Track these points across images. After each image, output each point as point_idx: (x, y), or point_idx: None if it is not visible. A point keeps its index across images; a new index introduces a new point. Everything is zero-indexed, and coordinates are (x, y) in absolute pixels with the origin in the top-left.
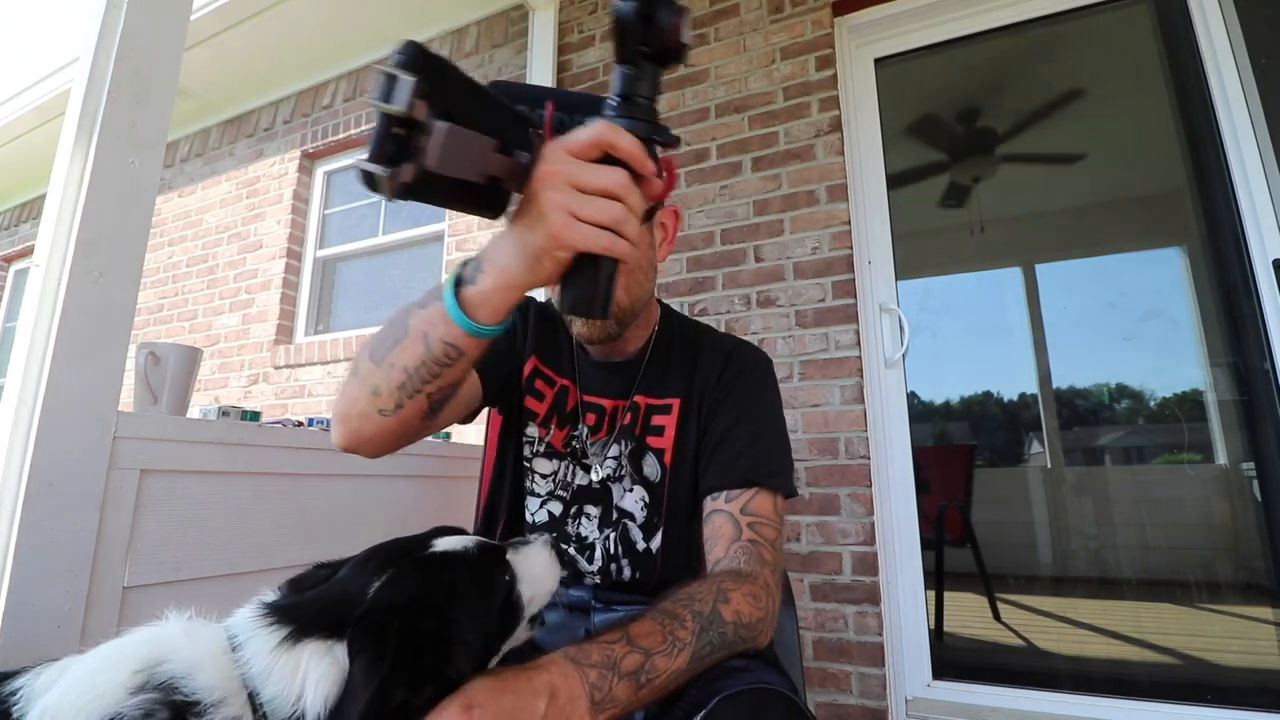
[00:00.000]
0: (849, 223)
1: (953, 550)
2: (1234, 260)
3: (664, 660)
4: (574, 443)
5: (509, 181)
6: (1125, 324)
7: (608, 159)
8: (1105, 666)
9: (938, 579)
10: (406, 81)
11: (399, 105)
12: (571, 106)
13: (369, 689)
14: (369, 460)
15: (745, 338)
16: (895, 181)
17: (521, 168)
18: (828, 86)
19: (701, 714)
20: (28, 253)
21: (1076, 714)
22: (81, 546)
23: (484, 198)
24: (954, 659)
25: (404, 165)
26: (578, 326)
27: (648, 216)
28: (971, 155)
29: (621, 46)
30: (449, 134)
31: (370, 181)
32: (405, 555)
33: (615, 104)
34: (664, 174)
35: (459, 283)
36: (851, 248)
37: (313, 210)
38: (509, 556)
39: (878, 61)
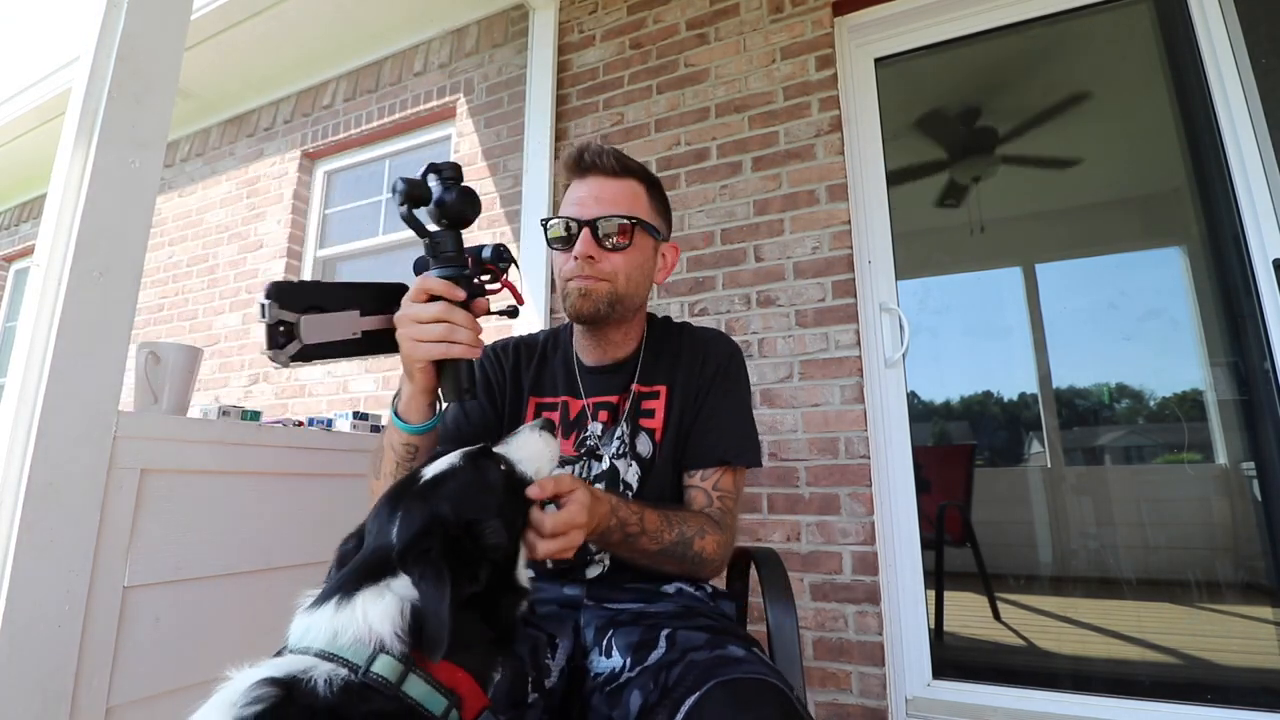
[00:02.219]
0: (849, 222)
1: (953, 550)
2: (1234, 260)
3: (648, 539)
4: (588, 442)
5: (388, 329)
6: (1125, 324)
7: (436, 298)
8: (1105, 666)
9: (938, 579)
10: (269, 304)
11: (267, 318)
12: (423, 266)
13: (446, 594)
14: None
15: (745, 338)
16: (895, 181)
17: (389, 319)
18: (828, 86)
19: (696, 695)
20: (28, 253)
21: (1076, 714)
22: (81, 546)
23: (372, 344)
24: (954, 658)
25: (290, 344)
26: (573, 300)
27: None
28: (971, 155)
29: (434, 222)
30: (308, 320)
31: (275, 358)
32: (407, 492)
33: (432, 261)
34: (484, 293)
35: (396, 403)
36: (851, 247)
37: (313, 210)
38: (500, 449)
39: (878, 61)
